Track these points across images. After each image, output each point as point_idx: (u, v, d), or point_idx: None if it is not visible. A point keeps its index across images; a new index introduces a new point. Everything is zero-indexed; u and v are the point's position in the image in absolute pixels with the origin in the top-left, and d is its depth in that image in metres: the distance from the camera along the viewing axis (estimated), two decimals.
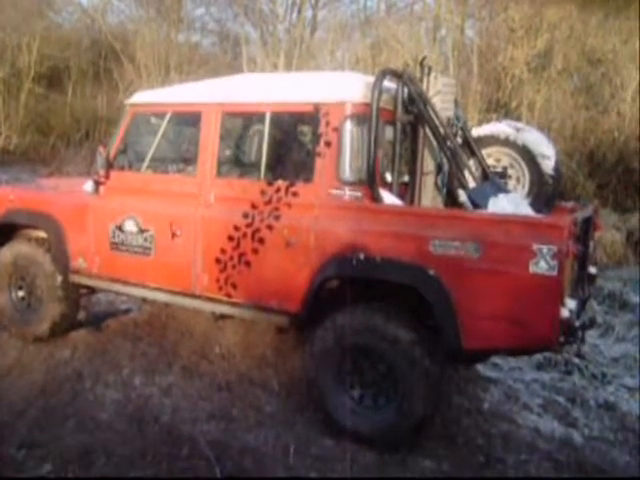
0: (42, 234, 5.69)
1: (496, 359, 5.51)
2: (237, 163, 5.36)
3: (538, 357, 5.62)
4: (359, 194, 4.29)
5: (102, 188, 5.31)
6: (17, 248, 5.78)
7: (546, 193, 4.95)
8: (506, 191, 4.66)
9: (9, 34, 17.98)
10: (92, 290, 5.80)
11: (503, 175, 5.03)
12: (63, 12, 21.26)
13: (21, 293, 5.83)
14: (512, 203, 4.44)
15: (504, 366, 5.54)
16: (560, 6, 12.74)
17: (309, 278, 4.29)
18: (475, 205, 4.50)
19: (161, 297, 5.17)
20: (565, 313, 3.67)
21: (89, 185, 5.43)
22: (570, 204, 5.47)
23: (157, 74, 17.79)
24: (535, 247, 3.64)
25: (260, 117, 4.71)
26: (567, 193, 11.21)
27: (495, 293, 3.78)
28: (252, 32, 17.59)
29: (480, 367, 5.42)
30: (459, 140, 4.90)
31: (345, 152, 4.29)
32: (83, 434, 4.20)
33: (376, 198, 4.26)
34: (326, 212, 4.29)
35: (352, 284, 4.29)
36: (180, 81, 16.87)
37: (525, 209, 4.49)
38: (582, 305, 4.44)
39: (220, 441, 4.12)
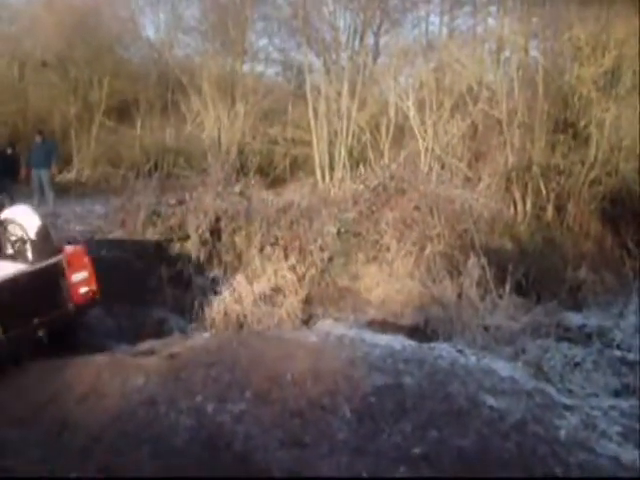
0: None
1: (571, 386, 5.37)
2: None
3: (616, 383, 5.44)
4: None
5: None
6: None
7: (37, 247, 6.61)
8: None
9: (81, 71, 18.71)
10: None
11: (24, 241, 6.69)
12: (131, 48, 21.95)
13: None
14: None
15: (580, 393, 5.37)
16: (627, 22, 12.48)
17: None
18: None
19: None
20: None
21: None
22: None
23: (223, 105, 18.16)
24: None
25: None
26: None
27: None
28: (315, 61, 17.81)
29: (555, 394, 5.27)
30: None
31: None
32: (158, 460, 4.27)
33: None
34: None
35: None
36: (245, 111, 17.20)
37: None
38: None
39: (293, 469, 4.12)
